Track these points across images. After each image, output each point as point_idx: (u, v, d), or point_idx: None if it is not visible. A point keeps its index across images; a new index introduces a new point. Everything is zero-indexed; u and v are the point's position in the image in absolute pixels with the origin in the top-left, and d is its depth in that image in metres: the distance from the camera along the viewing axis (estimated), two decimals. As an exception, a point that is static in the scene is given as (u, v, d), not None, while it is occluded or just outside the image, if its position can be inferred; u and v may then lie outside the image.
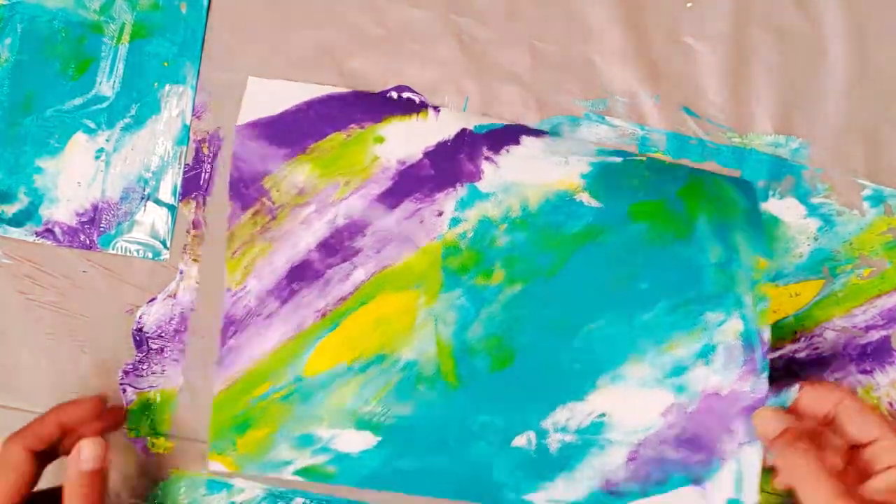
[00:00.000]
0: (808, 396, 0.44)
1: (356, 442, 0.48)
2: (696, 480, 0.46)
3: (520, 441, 0.47)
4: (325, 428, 0.48)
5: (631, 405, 0.46)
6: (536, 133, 0.49)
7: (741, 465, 0.45)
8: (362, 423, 0.48)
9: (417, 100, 0.50)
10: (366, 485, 0.48)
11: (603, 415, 0.46)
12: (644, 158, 0.48)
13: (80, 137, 0.51)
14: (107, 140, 0.51)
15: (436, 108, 0.50)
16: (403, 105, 0.50)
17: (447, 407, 0.47)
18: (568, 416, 0.46)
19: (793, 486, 0.41)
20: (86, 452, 0.43)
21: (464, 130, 0.48)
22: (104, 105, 0.51)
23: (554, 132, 0.50)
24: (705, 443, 0.46)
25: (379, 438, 0.48)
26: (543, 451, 0.47)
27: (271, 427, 0.48)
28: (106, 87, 0.51)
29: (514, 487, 0.47)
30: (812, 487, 0.40)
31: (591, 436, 0.46)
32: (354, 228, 0.47)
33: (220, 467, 0.49)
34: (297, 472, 0.48)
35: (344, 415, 0.48)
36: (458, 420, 0.47)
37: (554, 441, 0.46)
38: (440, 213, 0.48)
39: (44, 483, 0.43)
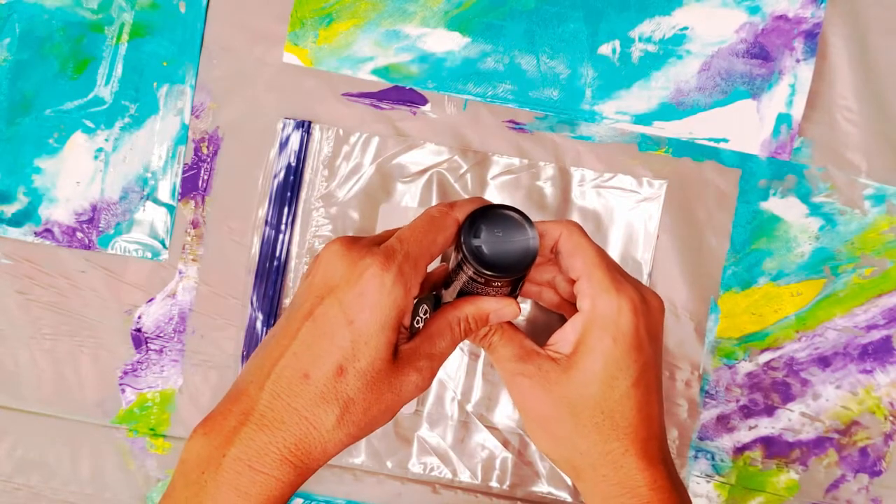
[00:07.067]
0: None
1: (444, 42, 0.49)
2: (755, 94, 0.49)
3: (605, 49, 0.49)
4: (415, 25, 0.48)
5: (710, 21, 0.50)
6: None
7: (797, 80, 0.49)
8: (453, 23, 0.48)
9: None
10: (446, 88, 0.49)
11: (686, 28, 0.49)
12: None
13: (78, 137, 0.51)
14: (106, 140, 0.51)
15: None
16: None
17: (538, 13, 0.48)
18: (653, 28, 0.49)
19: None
20: (508, 312, 0.38)
21: None
22: (103, 105, 0.51)
23: (551, 129, 0.50)
24: (769, 57, 0.49)
25: (468, 39, 0.48)
26: (626, 59, 0.49)
27: (358, 20, 0.48)
28: (105, 86, 0.51)
29: (589, 96, 0.49)
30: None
31: (672, 46, 0.49)
32: None
33: (295, 60, 0.49)
34: (377, 71, 0.49)
35: (436, 13, 0.48)
36: (548, 25, 0.49)
37: (637, 50, 0.49)
38: None
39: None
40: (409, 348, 0.36)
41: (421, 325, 0.38)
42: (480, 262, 0.36)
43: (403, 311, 0.35)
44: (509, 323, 0.40)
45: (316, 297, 0.35)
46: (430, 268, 0.38)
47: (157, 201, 0.51)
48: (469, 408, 0.51)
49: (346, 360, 0.34)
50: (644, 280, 0.50)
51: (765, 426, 0.51)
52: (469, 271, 0.36)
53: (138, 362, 0.51)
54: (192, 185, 0.51)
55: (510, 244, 0.36)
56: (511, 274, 0.36)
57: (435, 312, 0.38)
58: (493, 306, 0.38)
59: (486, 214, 0.36)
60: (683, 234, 0.51)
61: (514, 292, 0.38)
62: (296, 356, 0.34)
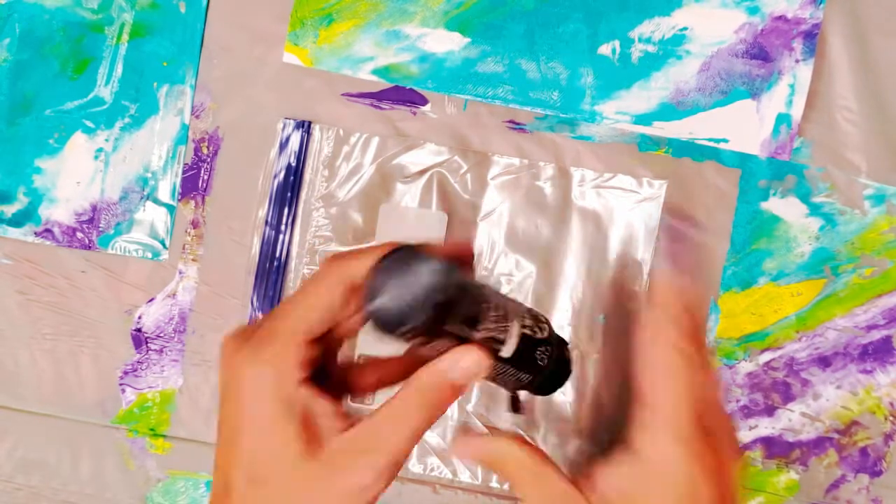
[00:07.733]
0: None
1: (444, 42, 0.49)
2: (755, 94, 0.49)
3: (605, 49, 0.49)
4: (415, 25, 0.49)
5: (709, 21, 0.50)
6: None
7: (796, 80, 0.49)
8: (453, 24, 0.49)
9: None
10: (446, 88, 0.49)
11: (685, 28, 0.49)
12: None
13: (79, 137, 0.51)
14: (106, 140, 0.51)
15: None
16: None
17: (537, 13, 0.49)
18: (653, 29, 0.50)
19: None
20: (467, 361, 0.31)
21: None
22: (103, 105, 0.51)
23: (551, 129, 0.50)
24: (768, 58, 0.49)
25: (468, 40, 0.49)
26: (625, 59, 0.49)
27: (358, 20, 0.49)
28: (105, 86, 0.51)
29: (589, 97, 0.49)
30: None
31: (671, 47, 0.49)
32: None
33: (296, 60, 0.50)
34: (377, 71, 0.49)
35: (436, 14, 0.48)
36: (548, 25, 0.49)
37: (637, 51, 0.49)
38: None
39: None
40: (341, 443, 0.30)
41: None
42: (385, 324, 0.29)
43: (288, 402, 0.30)
44: (541, 454, 0.32)
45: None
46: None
47: (157, 201, 0.51)
48: (469, 408, 0.51)
49: (251, 476, 0.30)
50: (644, 280, 0.50)
51: (765, 426, 0.51)
52: (387, 339, 0.29)
53: (138, 362, 0.51)
54: (192, 185, 0.51)
55: (412, 289, 0.29)
56: (417, 321, 0.28)
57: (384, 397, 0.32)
58: (445, 365, 0.31)
59: (378, 272, 0.29)
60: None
61: (466, 339, 0.31)
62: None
